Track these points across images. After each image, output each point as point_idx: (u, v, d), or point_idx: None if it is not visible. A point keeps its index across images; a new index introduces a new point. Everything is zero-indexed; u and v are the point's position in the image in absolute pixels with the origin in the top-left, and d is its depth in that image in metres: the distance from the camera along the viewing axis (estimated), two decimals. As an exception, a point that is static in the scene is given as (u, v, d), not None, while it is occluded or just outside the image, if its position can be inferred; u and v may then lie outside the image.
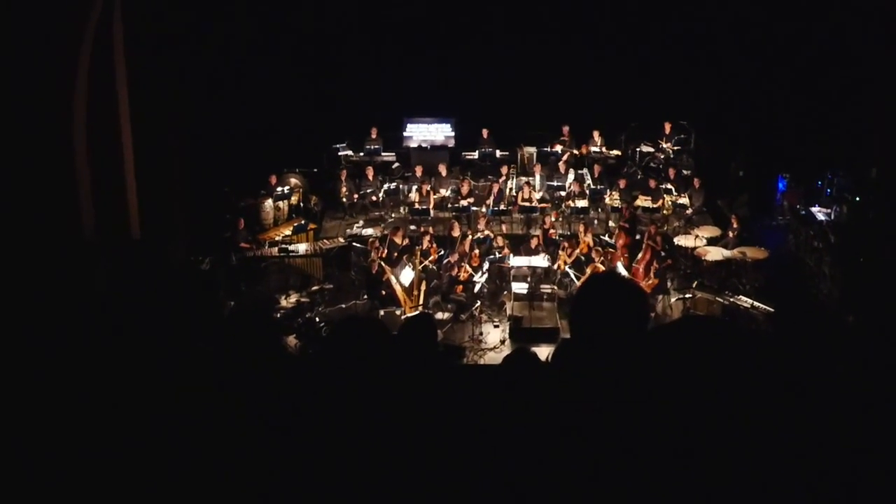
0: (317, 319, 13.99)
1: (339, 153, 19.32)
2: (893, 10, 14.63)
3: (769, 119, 17.81)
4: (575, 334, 3.25)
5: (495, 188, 17.77)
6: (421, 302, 14.52)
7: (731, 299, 14.03)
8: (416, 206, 17.50)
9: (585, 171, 18.81)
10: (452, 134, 19.98)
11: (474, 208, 17.55)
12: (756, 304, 13.73)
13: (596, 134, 19.23)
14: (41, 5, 11.38)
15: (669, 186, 17.85)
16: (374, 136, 19.46)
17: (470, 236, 15.84)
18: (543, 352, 4.17)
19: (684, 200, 17.46)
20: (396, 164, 19.43)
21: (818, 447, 2.82)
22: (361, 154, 19.38)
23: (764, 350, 2.95)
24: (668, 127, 19.29)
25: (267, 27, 18.45)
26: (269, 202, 17.55)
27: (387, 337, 3.66)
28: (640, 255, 15.23)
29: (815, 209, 16.64)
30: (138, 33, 13.80)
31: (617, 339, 3.07)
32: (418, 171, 18.65)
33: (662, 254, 15.14)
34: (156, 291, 11.64)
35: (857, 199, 15.85)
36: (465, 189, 17.91)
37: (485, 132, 19.47)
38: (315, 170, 19.33)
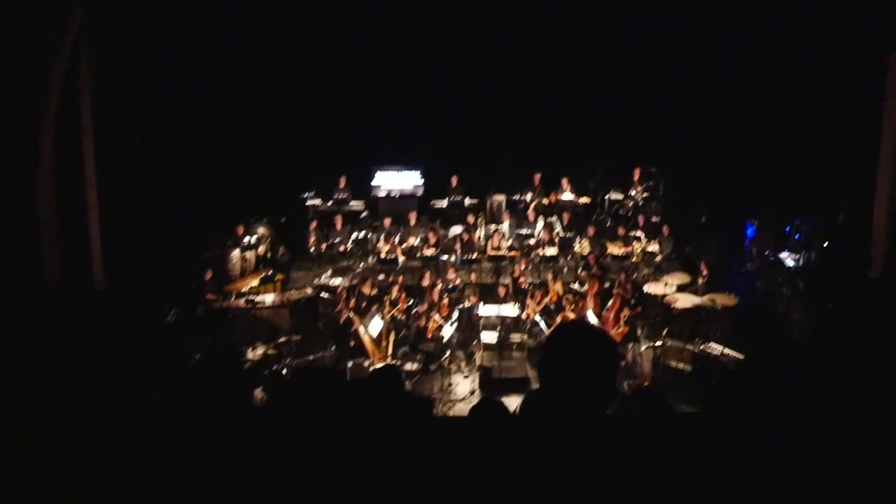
0: (284, 371, 13.81)
1: (307, 203, 19.25)
2: (860, 56, 14.81)
3: (736, 165, 17.92)
4: (544, 384, 3.19)
5: (465, 237, 17.75)
6: (390, 352, 14.38)
7: (702, 346, 13.99)
8: (385, 255, 17.40)
9: (555, 218, 18.82)
10: (421, 182, 19.96)
11: (443, 257, 17.48)
12: (726, 350, 13.69)
13: (565, 181, 19.27)
14: (8, 51, 11.33)
15: (639, 234, 17.89)
16: (342, 185, 19.44)
17: (440, 285, 15.76)
18: (513, 402, 4.10)
19: (654, 248, 17.48)
20: (365, 214, 19.36)
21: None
22: (329, 203, 19.31)
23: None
24: (637, 173, 19.37)
25: (235, 75, 18.43)
26: (236, 252, 17.40)
27: (344, 387, 3.61)
28: (609, 303, 15.19)
29: (784, 255, 16.72)
30: (105, 80, 13.75)
31: (586, 389, 2.99)
32: (386, 222, 18.55)
33: (632, 301, 15.12)
34: (119, 341, 11.46)
35: (826, 244, 15.94)
36: (432, 238, 17.85)
37: (454, 180, 19.47)
38: (282, 219, 19.22)
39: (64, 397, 4.31)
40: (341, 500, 3.11)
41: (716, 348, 13.82)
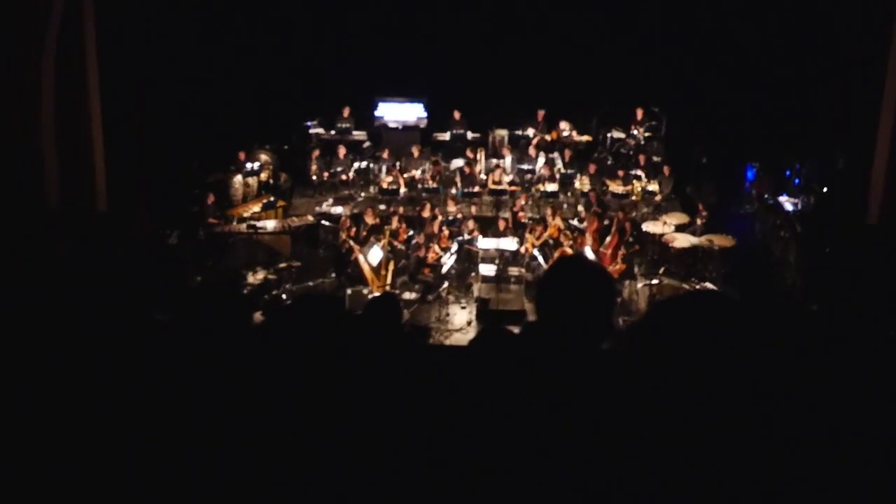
0: (283, 296, 13.96)
1: (310, 131, 19.21)
2: (862, 4, 14.71)
3: (738, 107, 17.87)
4: (541, 316, 3.23)
5: (467, 170, 17.79)
6: (389, 282, 14.51)
7: (697, 286, 14.11)
8: (387, 186, 17.45)
9: (556, 155, 18.82)
10: (425, 114, 19.88)
11: (445, 189, 17.54)
12: (721, 291, 13.81)
13: (563, 123, 19.19)
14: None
15: (639, 173, 17.91)
16: (346, 114, 19.37)
17: (439, 217, 15.83)
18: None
19: (653, 187, 17.50)
20: (368, 144, 19.34)
21: (783, 439, 2.82)
22: (333, 132, 19.28)
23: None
24: (639, 113, 19.30)
25: (240, 4, 18.30)
26: (238, 178, 17.43)
27: (344, 315, 3.65)
28: (607, 240, 15.28)
29: (783, 198, 16.75)
30: (109, 12, 13.68)
31: (584, 323, 3.06)
32: (387, 154, 18.55)
33: (630, 240, 15.22)
34: (121, 263, 11.57)
35: (825, 189, 15.98)
36: (434, 170, 17.89)
37: (456, 114, 19.40)
38: (285, 147, 19.22)
39: (68, 321, 4.35)
40: (338, 426, 3.13)
41: (711, 288, 13.94)
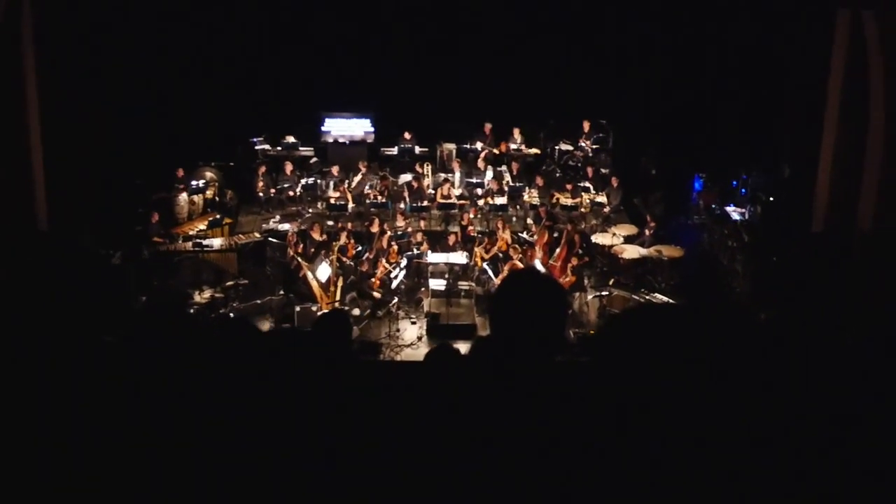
0: (231, 315, 13.77)
1: (256, 147, 19.05)
2: (808, 13, 14.92)
3: (685, 119, 18.04)
4: (494, 331, 3.20)
5: (415, 185, 17.75)
6: (338, 298, 14.38)
7: (647, 297, 14.17)
8: (334, 201, 17.33)
9: (504, 168, 18.83)
10: (372, 129, 19.81)
11: (393, 204, 17.46)
12: (671, 301, 13.88)
13: (516, 132, 19.25)
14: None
15: (587, 185, 17.99)
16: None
17: (388, 232, 15.75)
18: (461, 349, 4.14)
19: (602, 199, 17.58)
20: (315, 159, 19.22)
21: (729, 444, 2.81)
22: (279, 148, 19.13)
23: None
24: (586, 125, 19.42)
25: (186, 16, 18.10)
26: (183, 196, 17.20)
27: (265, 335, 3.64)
28: (557, 253, 15.28)
29: (730, 208, 16.97)
30: (49, 22, 13.47)
31: (536, 335, 3.02)
32: (335, 169, 18.44)
33: (580, 251, 15.23)
34: (63, 284, 11.33)
35: (771, 198, 16.18)
36: (382, 185, 17.83)
37: (407, 135, 19.30)
38: (231, 164, 19.02)
39: (9, 338, 4.24)
40: (287, 445, 3.10)
41: (661, 299, 14.01)
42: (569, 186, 18.00)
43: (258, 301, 14.48)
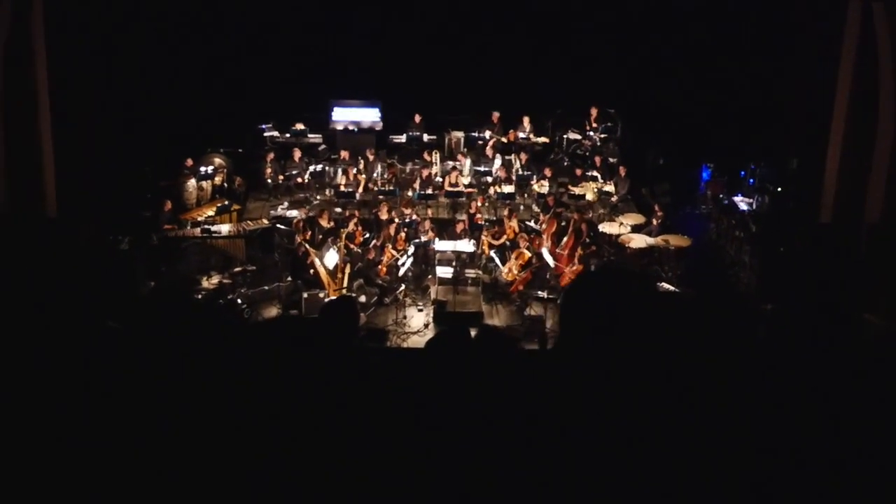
0: (238, 301, 13.82)
1: (265, 134, 19.07)
2: (819, 3, 14.89)
3: (694, 108, 18.00)
4: (566, 333, 3.07)
5: (423, 173, 17.75)
6: (345, 285, 14.40)
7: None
8: (342, 188, 17.35)
9: (513, 157, 18.82)
10: (380, 118, 19.82)
11: (401, 191, 17.47)
12: (677, 291, 13.88)
13: (526, 120, 19.21)
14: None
15: (595, 174, 17.97)
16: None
17: (396, 220, 15.77)
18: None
19: (609, 188, 17.56)
20: (323, 147, 19.23)
21: (735, 436, 2.82)
22: (287, 135, 19.14)
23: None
24: (594, 114, 19.39)
25: (195, 6, 18.12)
26: (192, 182, 17.21)
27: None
28: (564, 241, 15.28)
29: (737, 199, 16.94)
30: (59, 9, 13.49)
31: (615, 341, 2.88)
32: (344, 154, 18.46)
33: (587, 240, 15.24)
34: (71, 270, 11.38)
35: (779, 189, 16.15)
36: (390, 173, 17.85)
37: (417, 118, 19.33)
38: (239, 150, 19.04)
39: (17, 323, 4.25)
40: (297, 431, 3.11)
41: (668, 288, 14.01)
42: (577, 173, 18.01)
43: (266, 287, 14.51)
